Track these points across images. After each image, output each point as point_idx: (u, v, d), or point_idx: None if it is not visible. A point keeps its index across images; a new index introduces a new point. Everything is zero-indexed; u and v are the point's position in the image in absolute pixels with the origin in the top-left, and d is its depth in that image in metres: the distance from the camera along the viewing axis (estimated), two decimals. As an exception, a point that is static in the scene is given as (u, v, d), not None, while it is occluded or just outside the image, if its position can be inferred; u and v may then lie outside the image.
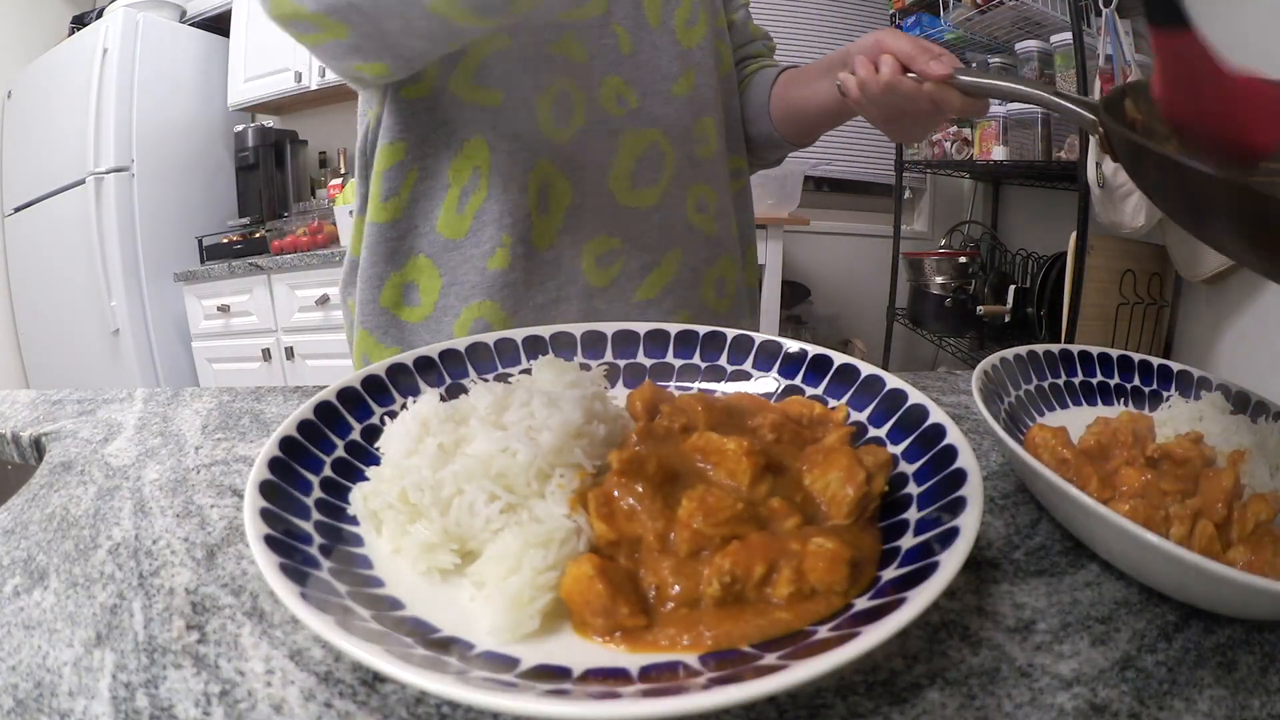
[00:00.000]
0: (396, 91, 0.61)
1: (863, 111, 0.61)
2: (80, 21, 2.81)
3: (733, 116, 0.77)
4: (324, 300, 2.47)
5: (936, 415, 0.40)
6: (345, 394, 0.44)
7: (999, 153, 2.12)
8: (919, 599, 0.27)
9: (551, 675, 0.28)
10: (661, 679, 0.28)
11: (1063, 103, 0.48)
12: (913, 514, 0.36)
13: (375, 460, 0.41)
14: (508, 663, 0.28)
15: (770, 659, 0.28)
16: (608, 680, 0.28)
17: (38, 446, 0.58)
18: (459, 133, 0.61)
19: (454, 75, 0.61)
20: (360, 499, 0.37)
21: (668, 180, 0.67)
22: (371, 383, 0.46)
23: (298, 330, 2.55)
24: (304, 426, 0.40)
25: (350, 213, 2.42)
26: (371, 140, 0.64)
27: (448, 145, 0.62)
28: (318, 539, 0.34)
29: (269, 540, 0.31)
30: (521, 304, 0.64)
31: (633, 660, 0.29)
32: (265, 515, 0.32)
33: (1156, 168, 0.39)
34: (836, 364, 0.49)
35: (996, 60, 2.14)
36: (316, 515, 0.35)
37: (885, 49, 0.57)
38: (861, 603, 0.31)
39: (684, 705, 0.23)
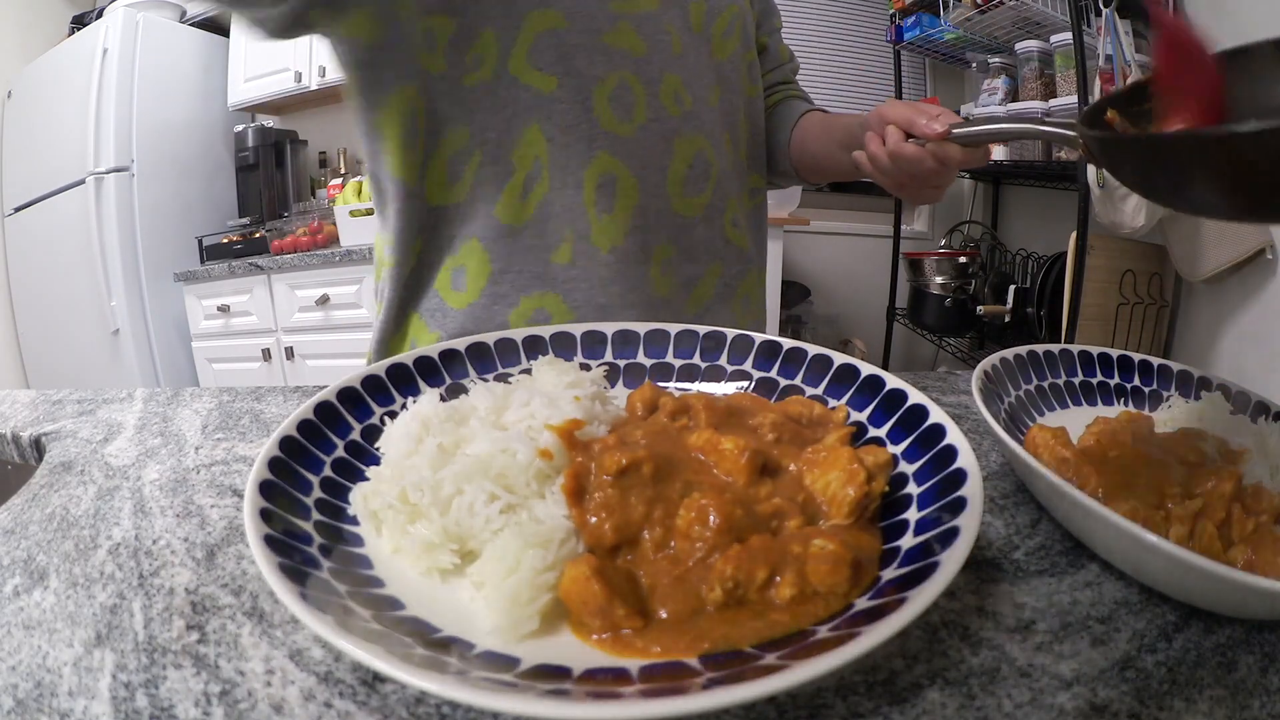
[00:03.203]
0: (459, 80, 0.60)
1: (878, 180, 0.63)
2: (80, 21, 2.80)
3: (756, 135, 0.78)
4: (324, 300, 2.47)
5: (936, 415, 0.40)
6: (345, 394, 0.44)
7: (999, 153, 2.11)
8: (919, 599, 0.27)
9: (551, 675, 0.28)
10: (661, 679, 0.28)
11: (1046, 129, 0.52)
12: (913, 514, 0.36)
13: (375, 460, 0.41)
14: (508, 662, 0.28)
15: (770, 659, 0.28)
16: (608, 680, 0.28)
17: (38, 446, 0.58)
18: (517, 119, 0.60)
19: (513, 53, 0.59)
20: (360, 499, 0.37)
21: (711, 190, 0.66)
22: (371, 383, 0.46)
23: (298, 330, 2.55)
24: (304, 426, 0.40)
25: (351, 211, 2.43)
26: (423, 127, 0.61)
27: (509, 131, 0.60)
28: (318, 539, 0.34)
29: (269, 540, 0.31)
30: (584, 302, 0.62)
31: (633, 660, 0.29)
32: (265, 515, 0.32)
33: (1130, 156, 0.40)
34: (836, 364, 0.49)
35: (996, 60, 2.13)
36: (316, 515, 0.35)
37: (886, 120, 0.60)
38: (861, 603, 0.31)
39: (684, 705, 0.23)
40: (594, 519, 0.34)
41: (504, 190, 0.60)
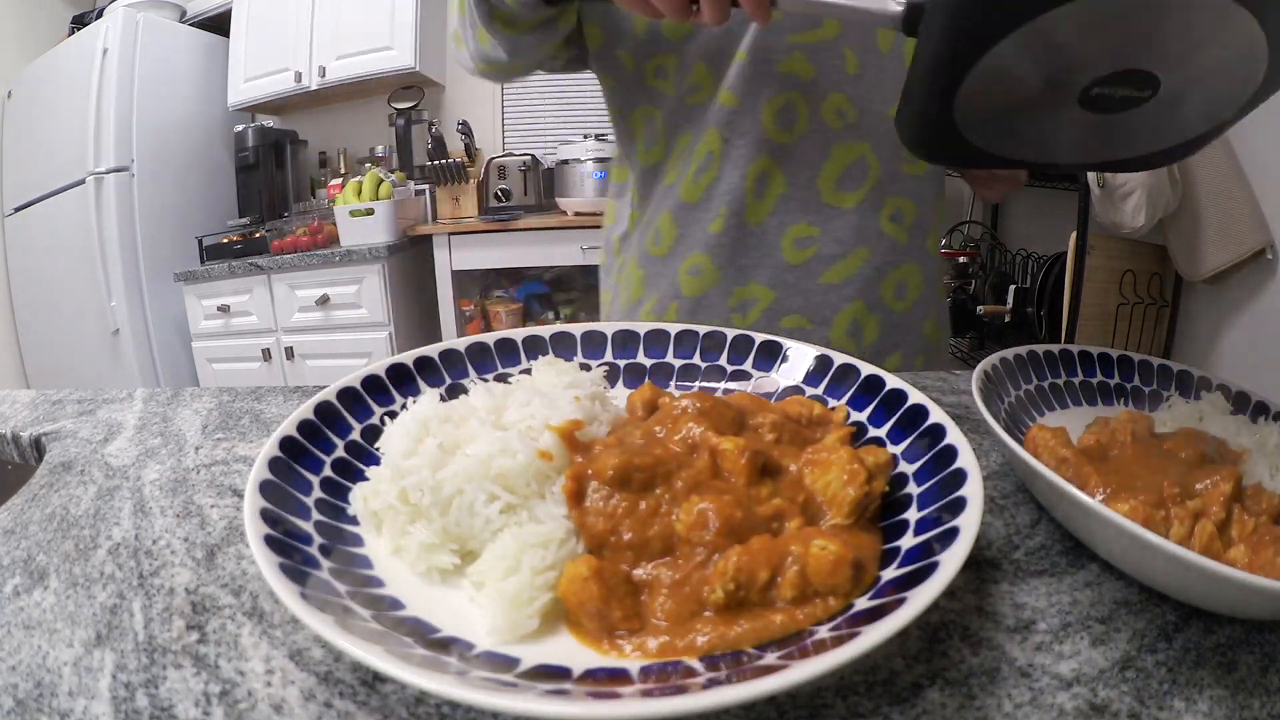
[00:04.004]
0: (682, 99, 0.78)
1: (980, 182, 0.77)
2: (80, 21, 2.81)
3: None
4: (324, 300, 2.48)
5: (936, 415, 0.40)
6: (345, 394, 0.44)
7: (999, 153, 2.11)
8: (919, 599, 0.27)
9: (551, 675, 0.28)
10: (661, 679, 0.28)
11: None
12: (913, 514, 0.36)
13: (375, 460, 0.41)
14: (507, 663, 0.28)
15: (770, 659, 0.28)
16: (608, 680, 0.28)
17: (38, 446, 0.58)
18: (706, 125, 0.78)
19: (722, 82, 0.76)
20: (360, 499, 0.37)
21: (867, 190, 0.78)
22: (371, 382, 0.46)
23: (298, 330, 2.55)
24: (304, 426, 0.40)
25: (351, 211, 2.43)
26: (662, 130, 0.82)
27: (700, 133, 0.79)
28: (318, 539, 0.34)
29: (269, 540, 0.31)
30: (728, 262, 0.79)
31: (632, 661, 0.29)
32: (265, 515, 0.32)
33: None
34: (836, 364, 0.49)
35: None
36: (316, 515, 0.35)
37: None
38: (862, 603, 0.31)
39: (684, 705, 0.23)
40: (594, 520, 0.34)
41: (685, 175, 0.80)
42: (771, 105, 0.75)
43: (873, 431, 0.44)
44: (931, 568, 0.29)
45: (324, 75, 2.65)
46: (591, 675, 0.28)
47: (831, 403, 0.47)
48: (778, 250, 0.79)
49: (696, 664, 0.29)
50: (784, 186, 0.78)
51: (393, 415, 0.43)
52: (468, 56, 0.79)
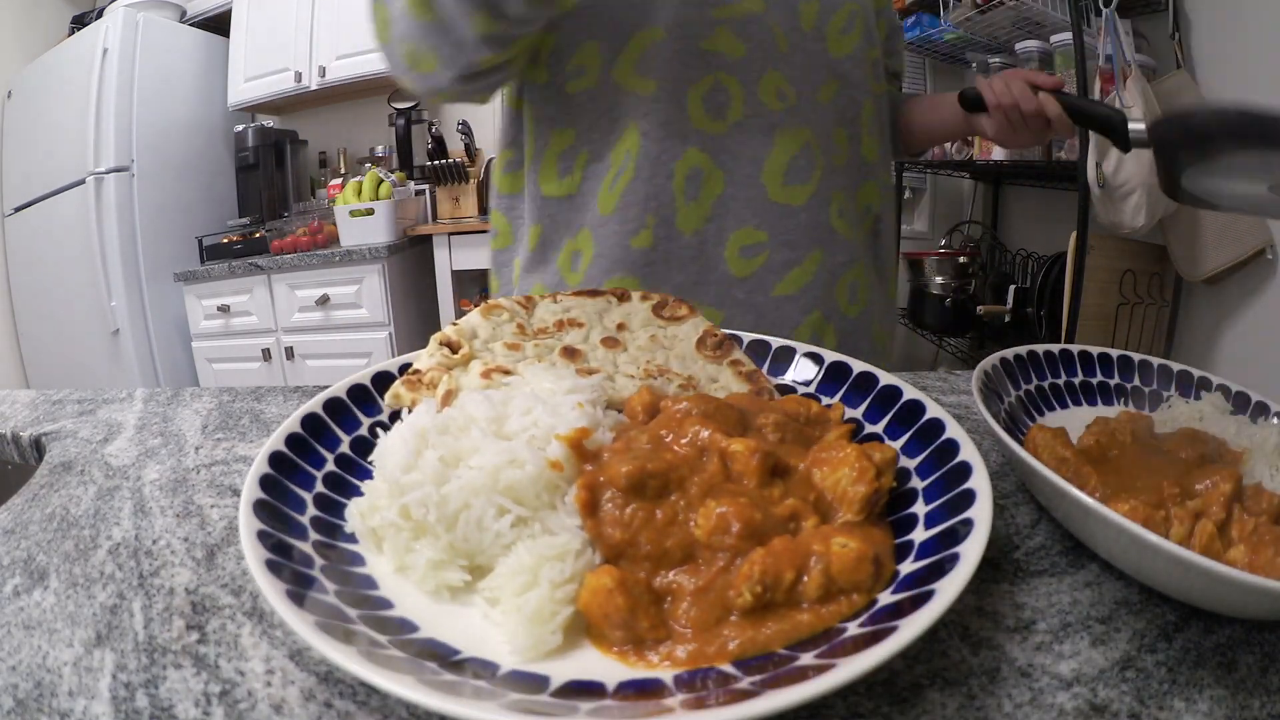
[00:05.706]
0: (561, 87, 0.65)
1: (985, 125, 0.74)
2: (80, 21, 2.81)
3: (887, 134, 0.80)
4: (324, 300, 2.48)
5: (934, 410, 0.41)
6: (331, 404, 0.43)
7: (999, 153, 2.11)
8: (947, 590, 0.28)
9: (587, 693, 0.27)
10: (703, 688, 0.27)
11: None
12: (920, 508, 0.36)
13: (368, 473, 0.39)
14: (537, 682, 0.28)
15: (808, 659, 0.28)
16: (645, 693, 0.27)
17: (38, 446, 0.58)
18: (620, 120, 0.65)
19: (617, 64, 0.64)
20: (357, 515, 0.36)
21: (817, 182, 0.68)
22: (358, 392, 0.45)
23: (298, 330, 2.55)
24: (292, 440, 0.39)
25: (351, 211, 2.42)
26: (538, 129, 0.69)
27: (611, 130, 0.66)
28: (318, 560, 0.33)
29: (270, 565, 0.30)
30: (661, 283, 0.66)
31: (664, 671, 0.29)
32: (262, 538, 0.31)
33: None
34: (828, 361, 0.49)
35: (997, 60, 2.13)
36: (314, 535, 0.34)
37: (1008, 77, 0.72)
38: (885, 597, 0.31)
39: (742, 712, 0.23)
40: (611, 530, 0.33)
41: (602, 183, 0.66)
42: (697, 90, 0.64)
43: (870, 428, 0.44)
44: (952, 559, 0.30)
45: (324, 75, 2.64)
46: (627, 689, 0.27)
47: (825, 400, 0.47)
48: (721, 262, 0.67)
49: (731, 669, 0.28)
50: (722, 185, 0.66)
51: (383, 426, 0.42)
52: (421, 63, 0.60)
